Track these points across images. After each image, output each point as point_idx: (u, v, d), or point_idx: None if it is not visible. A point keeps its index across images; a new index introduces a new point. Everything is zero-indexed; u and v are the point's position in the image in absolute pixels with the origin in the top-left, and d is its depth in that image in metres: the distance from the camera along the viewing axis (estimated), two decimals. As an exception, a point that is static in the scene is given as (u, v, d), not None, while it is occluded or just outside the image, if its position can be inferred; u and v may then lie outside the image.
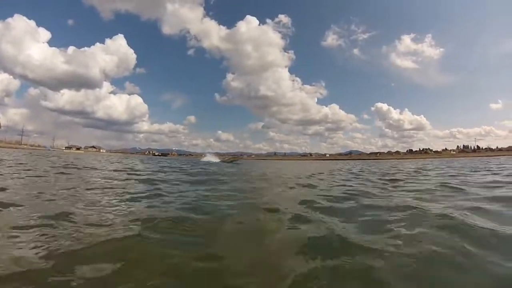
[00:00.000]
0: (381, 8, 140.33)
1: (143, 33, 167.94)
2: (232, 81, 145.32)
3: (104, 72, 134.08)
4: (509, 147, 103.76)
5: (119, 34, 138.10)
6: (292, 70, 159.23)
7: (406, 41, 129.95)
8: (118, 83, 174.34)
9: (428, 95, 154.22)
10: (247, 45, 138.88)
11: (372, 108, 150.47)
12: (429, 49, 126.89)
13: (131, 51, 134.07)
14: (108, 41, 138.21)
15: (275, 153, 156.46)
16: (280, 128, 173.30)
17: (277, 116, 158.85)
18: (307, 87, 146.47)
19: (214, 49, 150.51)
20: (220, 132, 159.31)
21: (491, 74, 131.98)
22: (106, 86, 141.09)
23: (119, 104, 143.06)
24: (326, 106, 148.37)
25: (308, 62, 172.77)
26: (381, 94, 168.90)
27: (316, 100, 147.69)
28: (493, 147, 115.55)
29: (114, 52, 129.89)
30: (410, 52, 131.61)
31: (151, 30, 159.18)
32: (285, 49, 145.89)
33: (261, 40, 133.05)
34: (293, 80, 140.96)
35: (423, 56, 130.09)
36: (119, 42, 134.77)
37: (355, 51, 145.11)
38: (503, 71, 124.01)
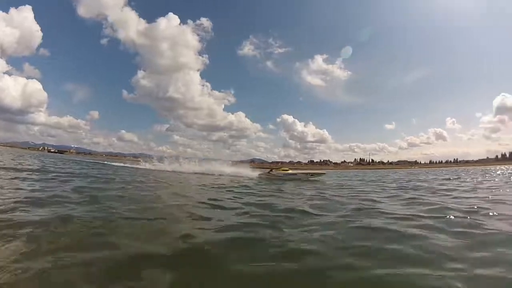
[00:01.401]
0: (300, 27, 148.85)
1: (55, 10, 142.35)
2: (143, 78, 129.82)
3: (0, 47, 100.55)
4: (399, 161, 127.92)
5: (27, 5, 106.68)
6: (203, 74, 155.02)
7: (318, 61, 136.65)
8: (16, 63, 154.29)
9: (332, 111, 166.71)
10: (163, 43, 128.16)
11: (278, 119, 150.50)
12: (338, 71, 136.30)
13: (37, 27, 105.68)
14: (12, 10, 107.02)
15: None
16: (184, 132, 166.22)
17: (182, 119, 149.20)
18: (216, 93, 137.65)
19: (129, 42, 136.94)
20: (123, 131, 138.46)
21: (388, 100, 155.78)
22: (1, 63, 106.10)
23: (13, 87, 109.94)
24: (233, 114, 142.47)
25: (220, 69, 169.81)
26: (289, 106, 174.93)
27: (223, 106, 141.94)
28: (385, 161, 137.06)
29: (17, 25, 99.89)
30: (321, 71, 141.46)
31: (65, 8, 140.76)
32: (200, 53, 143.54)
33: (178, 40, 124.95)
34: (203, 85, 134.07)
35: (332, 76, 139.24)
36: (25, 15, 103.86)
37: (269, 63, 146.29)
38: (397, 98, 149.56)
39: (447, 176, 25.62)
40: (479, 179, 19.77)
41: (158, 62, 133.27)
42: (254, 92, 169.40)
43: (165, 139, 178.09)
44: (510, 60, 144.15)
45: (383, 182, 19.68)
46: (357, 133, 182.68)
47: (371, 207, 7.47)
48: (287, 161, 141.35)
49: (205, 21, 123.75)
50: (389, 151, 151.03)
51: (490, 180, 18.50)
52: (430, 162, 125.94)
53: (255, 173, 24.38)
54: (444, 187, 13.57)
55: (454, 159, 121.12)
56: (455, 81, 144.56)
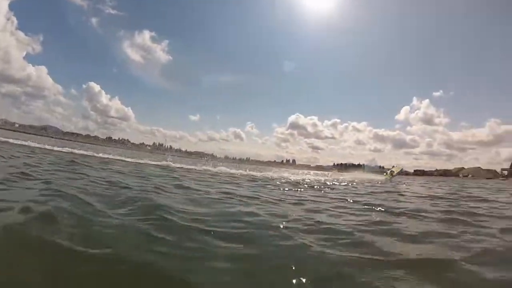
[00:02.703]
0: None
1: None
2: None
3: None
4: (196, 151, 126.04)
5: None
6: (14, 6, 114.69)
7: (146, 36, 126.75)
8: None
9: (143, 91, 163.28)
10: None
11: (84, 86, 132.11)
12: (161, 53, 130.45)
13: None
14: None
15: None
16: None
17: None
18: (21, 34, 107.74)
19: None
20: None
21: (199, 93, 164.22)
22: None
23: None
24: (34, 66, 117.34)
25: (37, 7, 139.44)
26: (99, 74, 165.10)
27: (24, 54, 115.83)
28: (183, 149, 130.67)
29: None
30: (144, 47, 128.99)
31: None
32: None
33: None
34: (8, 18, 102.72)
35: (153, 56, 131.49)
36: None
37: (94, 20, 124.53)
38: (208, 94, 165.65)
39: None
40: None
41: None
42: (66, 47, 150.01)
43: None
44: (306, 87, 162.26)
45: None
46: (162, 117, 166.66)
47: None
48: (84, 134, 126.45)
49: None
50: (189, 141, 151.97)
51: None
52: (225, 157, 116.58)
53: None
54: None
55: (247, 157, 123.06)
56: (263, 94, 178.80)
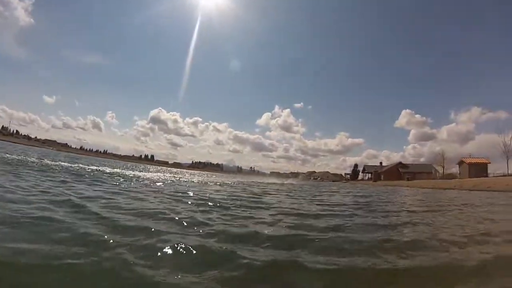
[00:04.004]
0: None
1: None
2: None
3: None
4: (47, 139, 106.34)
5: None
6: None
7: None
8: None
9: None
10: None
11: None
12: (22, 12, 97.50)
13: None
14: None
15: None
16: None
17: None
18: None
19: None
20: None
21: (61, 71, 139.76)
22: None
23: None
24: None
25: None
26: None
27: None
28: (33, 136, 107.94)
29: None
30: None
31: None
32: None
33: None
34: None
35: (11, 13, 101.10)
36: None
37: None
38: (73, 73, 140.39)
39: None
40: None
41: None
42: None
43: None
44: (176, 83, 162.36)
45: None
46: (9, 93, 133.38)
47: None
48: None
49: None
50: (41, 127, 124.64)
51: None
52: (81, 148, 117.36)
53: None
54: None
55: (104, 150, 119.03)
56: (131, 82, 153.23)
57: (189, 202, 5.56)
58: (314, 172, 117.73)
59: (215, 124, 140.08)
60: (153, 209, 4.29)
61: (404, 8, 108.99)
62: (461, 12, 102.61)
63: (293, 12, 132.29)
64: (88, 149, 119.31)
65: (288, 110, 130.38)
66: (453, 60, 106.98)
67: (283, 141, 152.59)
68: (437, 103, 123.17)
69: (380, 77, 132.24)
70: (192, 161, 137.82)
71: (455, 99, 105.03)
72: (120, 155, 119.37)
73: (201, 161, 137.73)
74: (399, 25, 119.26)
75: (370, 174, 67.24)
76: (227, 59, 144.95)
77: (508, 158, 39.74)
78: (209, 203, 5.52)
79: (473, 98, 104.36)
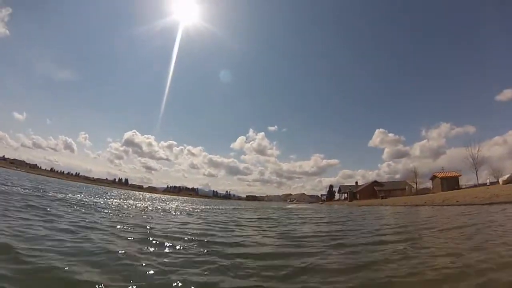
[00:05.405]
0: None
1: None
2: None
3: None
4: (14, 159, 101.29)
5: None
6: None
7: None
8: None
9: None
10: None
11: None
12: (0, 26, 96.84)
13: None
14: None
15: None
16: None
17: None
18: None
19: None
20: None
21: (30, 87, 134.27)
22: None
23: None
24: None
25: None
26: None
27: None
28: (0, 155, 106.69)
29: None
30: None
31: None
32: None
33: None
34: None
35: None
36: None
37: None
38: (42, 90, 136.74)
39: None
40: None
41: None
42: None
43: None
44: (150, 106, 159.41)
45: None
46: None
47: None
48: None
49: None
50: (9, 145, 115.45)
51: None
52: (52, 170, 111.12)
53: None
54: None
55: (77, 172, 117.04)
56: (106, 102, 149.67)
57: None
58: (290, 194, 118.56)
59: (189, 147, 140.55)
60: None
61: (370, 30, 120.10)
62: (428, 31, 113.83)
63: (265, 37, 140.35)
64: (59, 171, 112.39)
65: (262, 133, 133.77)
66: (420, 79, 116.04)
67: (258, 164, 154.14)
68: (408, 121, 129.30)
69: (352, 99, 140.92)
70: (167, 185, 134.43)
71: (425, 116, 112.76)
72: (93, 178, 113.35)
73: (176, 185, 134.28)
74: (366, 47, 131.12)
75: (346, 194, 68.37)
76: (202, 83, 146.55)
77: (476, 170, 41.38)
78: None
79: (442, 115, 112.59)
